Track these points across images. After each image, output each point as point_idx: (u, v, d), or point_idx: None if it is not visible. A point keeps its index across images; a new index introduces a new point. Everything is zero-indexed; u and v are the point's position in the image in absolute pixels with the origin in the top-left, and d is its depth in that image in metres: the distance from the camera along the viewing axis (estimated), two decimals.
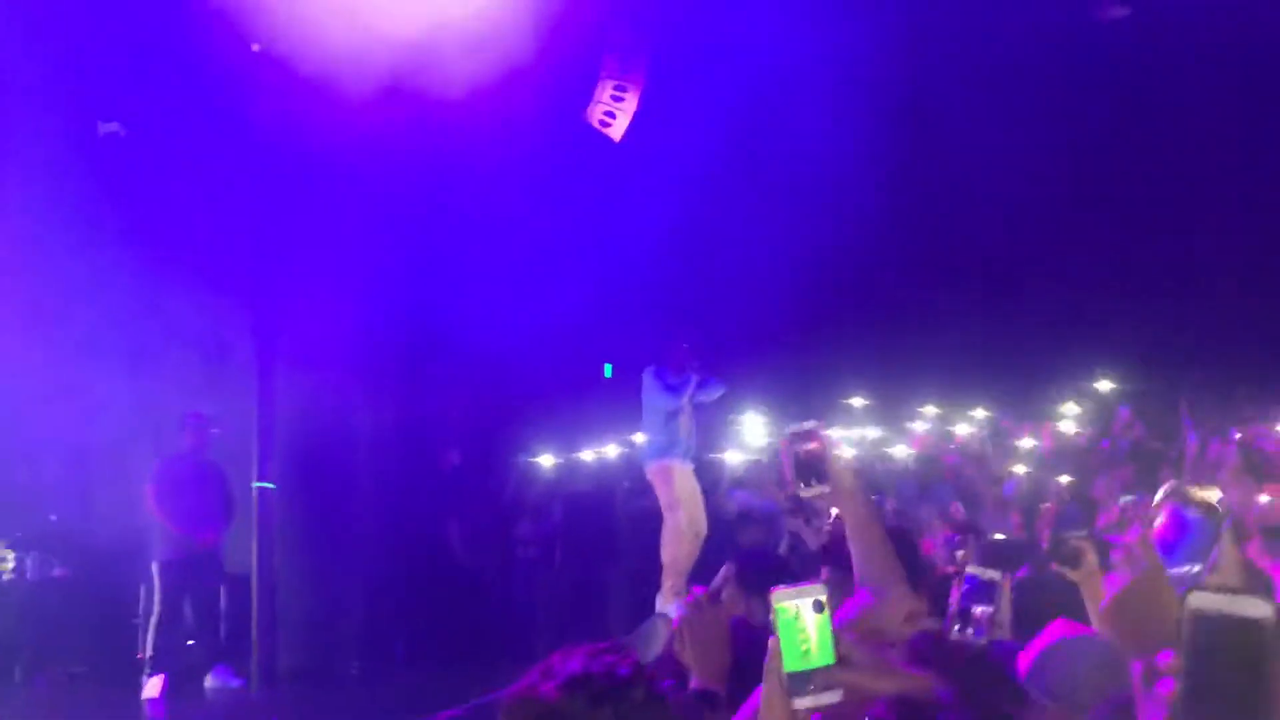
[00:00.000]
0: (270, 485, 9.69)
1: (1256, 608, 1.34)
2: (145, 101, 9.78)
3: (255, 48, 9.14)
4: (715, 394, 8.99)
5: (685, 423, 8.83)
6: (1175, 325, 13.57)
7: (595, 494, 11.07)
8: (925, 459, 12.24)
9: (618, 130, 10.33)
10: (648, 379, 8.84)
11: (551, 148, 10.50)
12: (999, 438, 12.43)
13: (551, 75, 10.22)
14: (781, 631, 1.93)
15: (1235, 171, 13.76)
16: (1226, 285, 13.82)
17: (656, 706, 2.08)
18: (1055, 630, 2.80)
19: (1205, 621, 1.34)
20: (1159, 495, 4.65)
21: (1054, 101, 13.60)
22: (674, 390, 8.71)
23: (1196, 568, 4.35)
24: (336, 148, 9.67)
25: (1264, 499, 7.65)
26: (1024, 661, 2.75)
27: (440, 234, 10.21)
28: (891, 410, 13.38)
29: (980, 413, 13.28)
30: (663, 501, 8.71)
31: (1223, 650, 1.33)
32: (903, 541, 4.95)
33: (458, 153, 10.34)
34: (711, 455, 9.97)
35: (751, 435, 11.57)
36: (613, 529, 10.74)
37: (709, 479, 9.70)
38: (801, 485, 2.71)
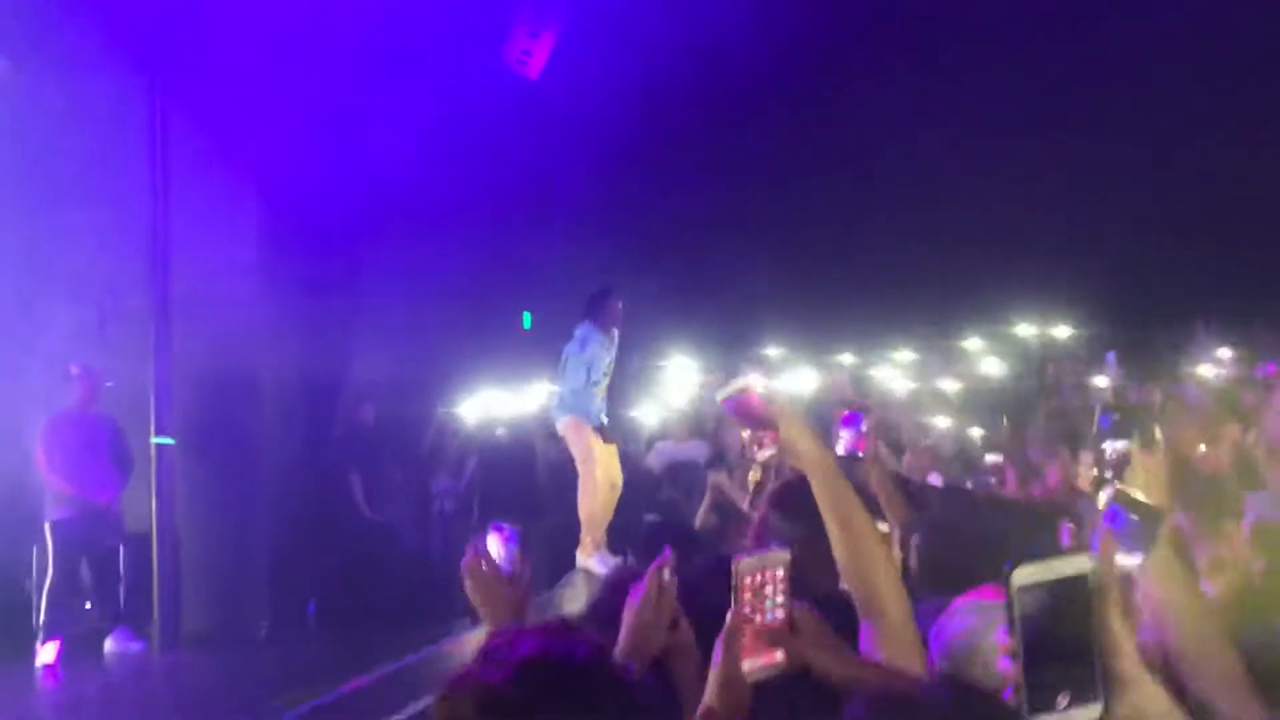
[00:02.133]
0: (169, 440, 9.27)
1: (1077, 565, 1.43)
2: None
3: None
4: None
5: (603, 383, 8.60)
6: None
7: (513, 445, 10.82)
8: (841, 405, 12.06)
9: (534, 68, 10.01)
10: (580, 335, 8.52)
11: (472, 85, 10.09)
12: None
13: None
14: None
15: None
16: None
17: (617, 690, 1.84)
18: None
19: (1033, 592, 1.42)
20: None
21: None
22: (585, 347, 8.45)
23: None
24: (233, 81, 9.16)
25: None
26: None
27: (348, 173, 9.78)
28: (811, 358, 13.29)
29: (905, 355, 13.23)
30: (577, 456, 8.50)
31: (1054, 613, 1.42)
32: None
33: (370, 86, 9.88)
34: (629, 412, 9.80)
35: (672, 388, 11.40)
36: (532, 481, 10.57)
37: (625, 431, 9.52)
38: (756, 447, 2.54)
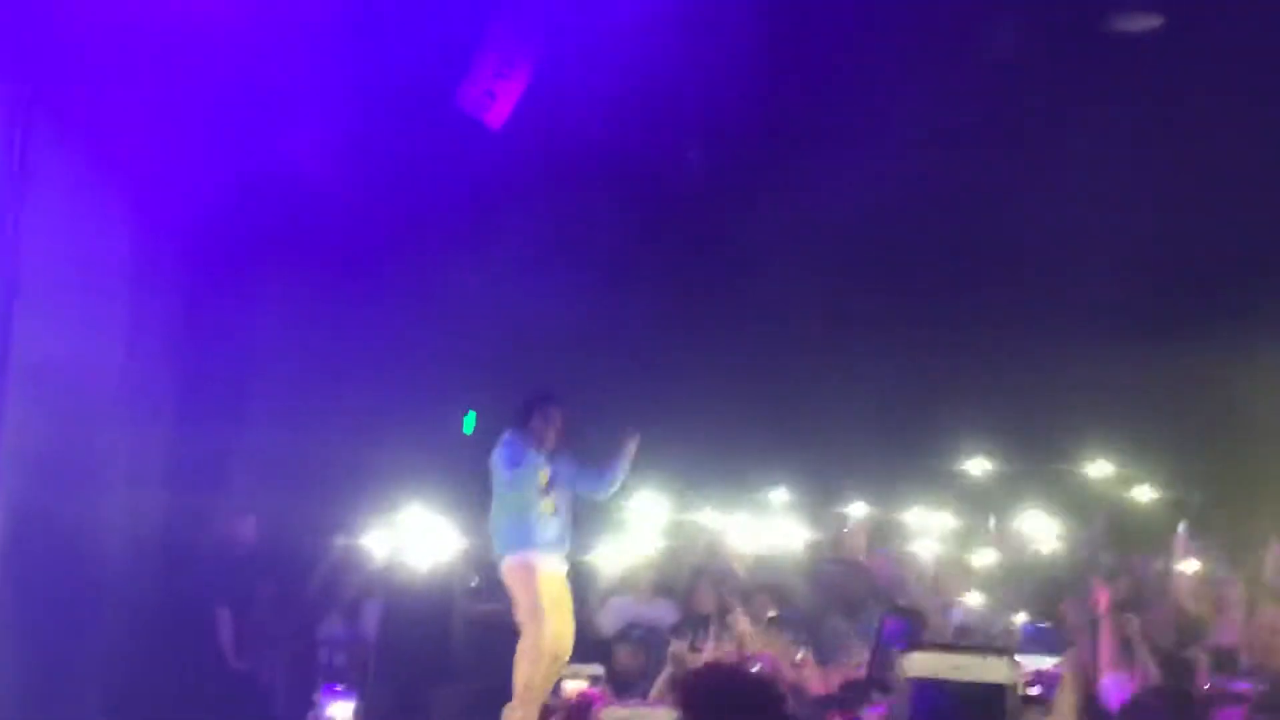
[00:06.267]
0: None
1: (993, 670, 0.84)
2: None
3: None
4: (604, 487, 7.52)
5: (549, 505, 7.26)
6: None
7: (429, 590, 8.86)
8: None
9: (498, 115, 8.26)
10: (506, 448, 7.25)
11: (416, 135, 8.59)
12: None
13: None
14: None
15: None
16: None
17: None
18: None
19: (927, 688, 0.67)
20: None
21: None
22: (513, 463, 7.14)
23: None
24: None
25: None
26: None
27: (243, 201, 8.24)
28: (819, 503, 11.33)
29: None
30: (521, 608, 7.19)
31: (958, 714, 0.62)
32: None
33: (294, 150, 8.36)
34: (580, 558, 8.23)
35: (636, 527, 9.51)
36: (447, 636, 8.81)
37: (577, 587, 7.90)
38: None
